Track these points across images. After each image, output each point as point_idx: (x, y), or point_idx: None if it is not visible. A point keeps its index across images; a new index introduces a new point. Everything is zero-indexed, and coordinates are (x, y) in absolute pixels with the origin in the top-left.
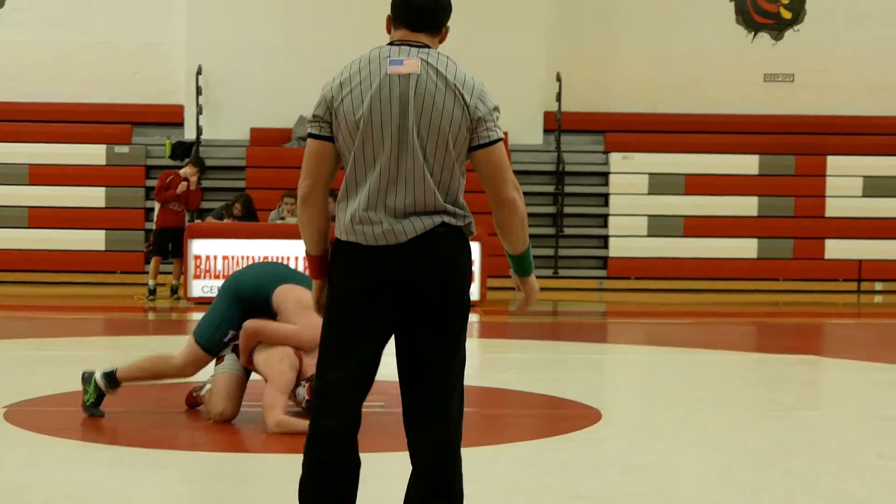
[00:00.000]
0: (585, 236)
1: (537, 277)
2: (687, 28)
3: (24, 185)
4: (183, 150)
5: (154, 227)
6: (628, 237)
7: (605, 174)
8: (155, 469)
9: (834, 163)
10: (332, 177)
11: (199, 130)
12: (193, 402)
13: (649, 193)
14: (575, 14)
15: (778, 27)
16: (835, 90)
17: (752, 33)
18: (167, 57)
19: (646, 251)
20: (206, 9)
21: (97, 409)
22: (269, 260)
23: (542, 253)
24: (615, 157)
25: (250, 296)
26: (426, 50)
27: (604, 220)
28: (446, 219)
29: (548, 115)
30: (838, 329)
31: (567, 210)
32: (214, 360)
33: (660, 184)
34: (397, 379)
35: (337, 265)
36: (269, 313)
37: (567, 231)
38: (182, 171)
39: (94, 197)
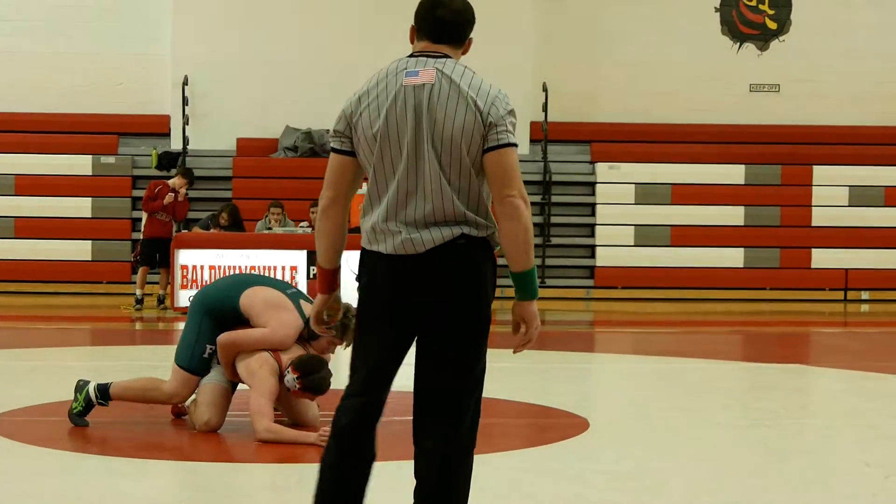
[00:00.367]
0: (572, 246)
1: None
2: (673, 39)
3: (10, 195)
4: (169, 161)
5: (141, 237)
6: (615, 247)
7: (592, 184)
8: (142, 478)
9: (820, 172)
10: (353, 190)
11: (185, 141)
12: (179, 411)
13: (636, 203)
14: (561, 25)
15: (763, 38)
16: (820, 100)
17: (738, 44)
18: (154, 67)
19: (633, 261)
20: (193, 19)
21: (82, 419)
22: (247, 272)
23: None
24: (602, 167)
25: (219, 308)
26: (443, 60)
27: (591, 229)
28: (466, 229)
29: (534, 126)
30: (825, 338)
31: (554, 220)
32: None
33: (646, 194)
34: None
35: (362, 273)
36: (242, 321)
37: (554, 241)
38: (171, 182)
39: (80, 207)
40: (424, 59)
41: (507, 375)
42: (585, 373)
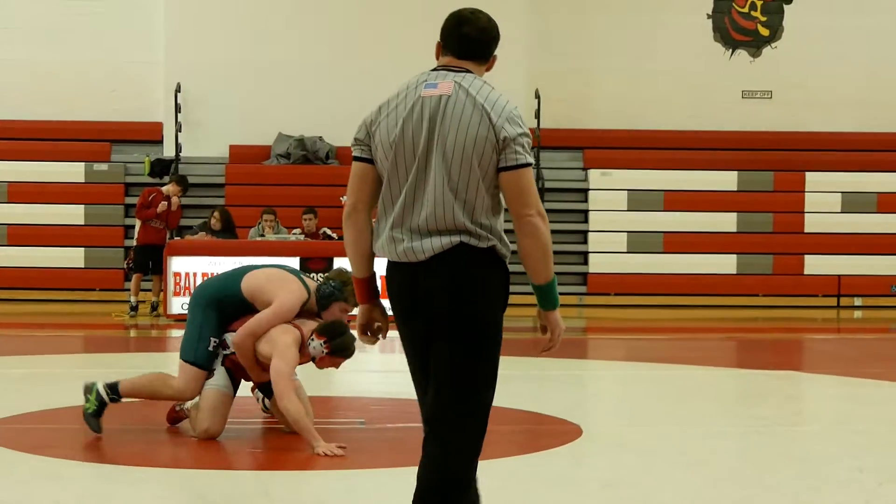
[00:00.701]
0: (565, 252)
1: (519, 293)
2: (665, 45)
3: (2, 202)
4: (162, 168)
5: (135, 244)
6: (608, 253)
7: (585, 191)
8: (136, 486)
9: (812, 179)
10: (374, 197)
11: (178, 148)
12: (175, 417)
13: (628, 210)
14: (553, 31)
15: (756, 44)
16: (813, 106)
17: (730, 50)
18: (146, 74)
19: (625, 267)
20: (185, 27)
21: (96, 421)
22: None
23: (522, 269)
24: (594, 174)
25: (221, 297)
26: (463, 74)
27: (583, 236)
28: (465, 238)
29: None
30: (818, 344)
31: None
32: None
33: (639, 200)
34: (377, 395)
35: (387, 280)
36: (244, 310)
37: None
38: (165, 189)
39: (73, 214)
40: (445, 72)
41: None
42: (578, 380)
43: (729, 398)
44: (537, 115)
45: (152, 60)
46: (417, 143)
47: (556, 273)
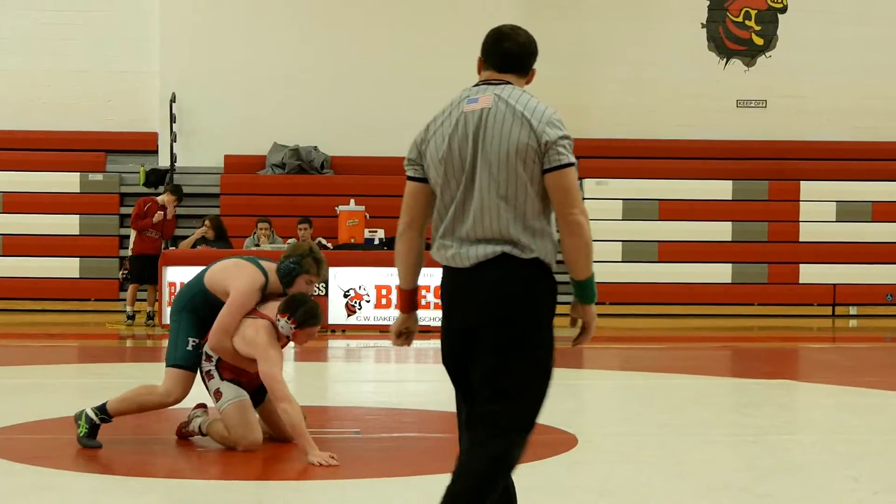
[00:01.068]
0: (560, 262)
1: None
2: (660, 55)
3: None
4: (157, 178)
5: (130, 255)
6: (603, 262)
7: None
8: (131, 497)
9: (807, 188)
10: (426, 214)
11: (173, 158)
12: (185, 434)
13: (623, 219)
14: (548, 41)
15: (750, 53)
16: (807, 116)
17: (725, 60)
18: (141, 85)
19: (620, 276)
20: (180, 37)
21: (93, 440)
22: None
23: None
24: (589, 183)
25: (189, 298)
26: (502, 86)
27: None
28: (507, 249)
29: None
30: (813, 353)
31: None
32: (214, 396)
33: (634, 209)
34: (372, 405)
35: (441, 283)
36: (212, 304)
37: None
38: (160, 199)
39: (68, 224)
40: (485, 87)
41: None
42: (573, 389)
43: (724, 407)
44: None
45: (147, 71)
46: (464, 156)
47: None
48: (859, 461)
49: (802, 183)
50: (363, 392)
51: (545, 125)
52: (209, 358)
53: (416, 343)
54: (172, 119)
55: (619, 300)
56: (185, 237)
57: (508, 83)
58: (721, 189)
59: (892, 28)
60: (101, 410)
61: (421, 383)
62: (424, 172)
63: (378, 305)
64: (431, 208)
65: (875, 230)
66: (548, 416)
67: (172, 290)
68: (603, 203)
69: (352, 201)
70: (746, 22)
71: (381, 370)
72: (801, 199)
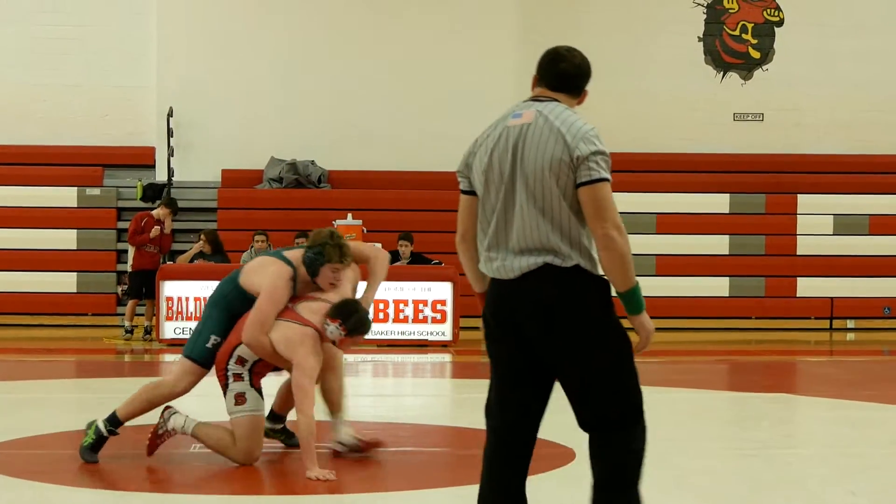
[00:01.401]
0: None
1: None
2: (657, 68)
3: None
4: (154, 192)
5: (129, 270)
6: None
7: None
8: None
9: (804, 201)
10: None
11: (170, 172)
12: (154, 445)
13: None
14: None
15: (747, 67)
16: (804, 129)
17: (722, 73)
18: (138, 99)
19: None
20: (177, 51)
21: (93, 455)
22: None
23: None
24: None
25: (221, 295)
26: (546, 102)
27: None
28: (549, 259)
29: None
30: (811, 367)
31: None
32: (234, 399)
33: (631, 223)
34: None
35: (486, 294)
36: (247, 301)
37: None
38: (155, 213)
39: (65, 239)
40: (531, 102)
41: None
42: None
43: (722, 421)
44: None
45: (144, 85)
46: (504, 169)
47: None
48: (858, 475)
49: (800, 196)
50: (360, 406)
51: (579, 140)
52: (241, 361)
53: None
54: (169, 133)
55: (616, 314)
56: (183, 251)
57: (556, 101)
58: (718, 202)
59: (889, 41)
60: (111, 422)
61: (418, 397)
62: (471, 185)
63: (375, 319)
64: None
65: (872, 243)
66: (545, 430)
67: (170, 305)
68: None
69: (349, 215)
70: (743, 35)
71: (378, 384)
72: (799, 212)
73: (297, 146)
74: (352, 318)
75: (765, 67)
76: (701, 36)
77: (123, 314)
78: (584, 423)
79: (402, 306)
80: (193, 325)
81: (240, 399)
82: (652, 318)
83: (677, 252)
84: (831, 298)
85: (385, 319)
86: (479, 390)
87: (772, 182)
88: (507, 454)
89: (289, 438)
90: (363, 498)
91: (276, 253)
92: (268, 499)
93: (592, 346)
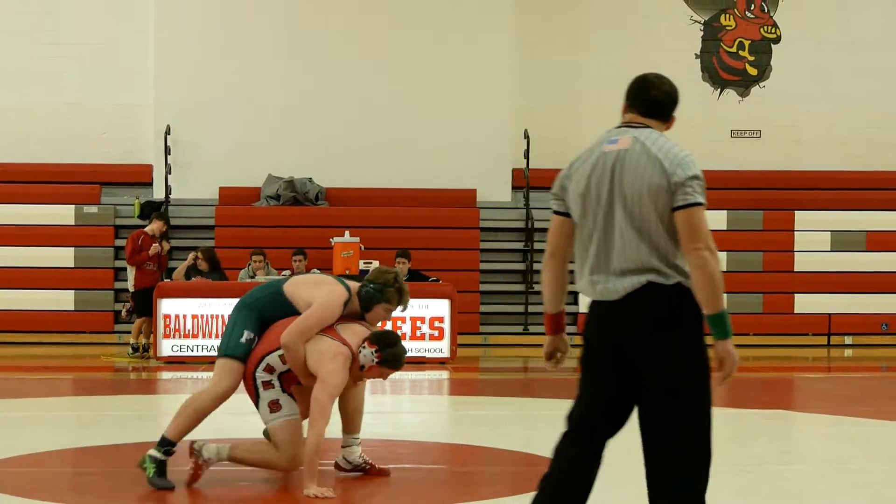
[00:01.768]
0: None
1: (509, 334)
2: None
3: None
4: (152, 210)
5: (132, 290)
6: None
7: None
8: None
9: (802, 217)
10: (569, 245)
11: (167, 190)
12: (194, 477)
13: None
14: (541, 71)
15: (744, 84)
16: (802, 146)
17: (719, 90)
18: (136, 117)
19: None
20: (175, 69)
21: (165, 480)
22: None
23: (512, 309)
24: None
25: (259, 297)
26: (641, 129)
27: (572, 276)
28: (652, 277)
29: (516, 172)
30: (809, 383)
31: (536, 266)
32: (269, 407)
33: None
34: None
35: (587, 316)
36: (284, 308)
37: (537, 287)
38: (149, 229)
39: (62, 257)
40: (626, 129)
41: (492, 423)
42: None
43: (720, 437)
44: (526, 156)
45: (141, 103)
46: (602, 192)
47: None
48: (856, 491)
49: (797, 213)
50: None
51: (676, 166)
52: (270, 369)
53: (412, 374)
54: (167, 151)
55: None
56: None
57: (649, 127)
58: (716, 219)
59: (887, 58)
60: (162, 444)
61: (416, 414)
62: (566, 207)
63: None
64: (572, 239)
65: (870, 260)
66: (540, 444)
67: (167, 323)
68: None
69: (346, 233)
70: (740, 52)
71: (376, 401)
72: (796, 228)
73: (294, 164)
74: (389, 350)
75: (762, 84)
76: (698, 53)
77: (121, 332)
78: (654, 440)
79: (399, 323)
80: (191, 342)
81: (274, 406)
82: None
83: None
84: (829, 315)
85: None
86: (477, 407)
87: (769, 199)
88: (580, 461)
89: None
90: None
91: (337, 277)
92: None
93: (689, 367)
